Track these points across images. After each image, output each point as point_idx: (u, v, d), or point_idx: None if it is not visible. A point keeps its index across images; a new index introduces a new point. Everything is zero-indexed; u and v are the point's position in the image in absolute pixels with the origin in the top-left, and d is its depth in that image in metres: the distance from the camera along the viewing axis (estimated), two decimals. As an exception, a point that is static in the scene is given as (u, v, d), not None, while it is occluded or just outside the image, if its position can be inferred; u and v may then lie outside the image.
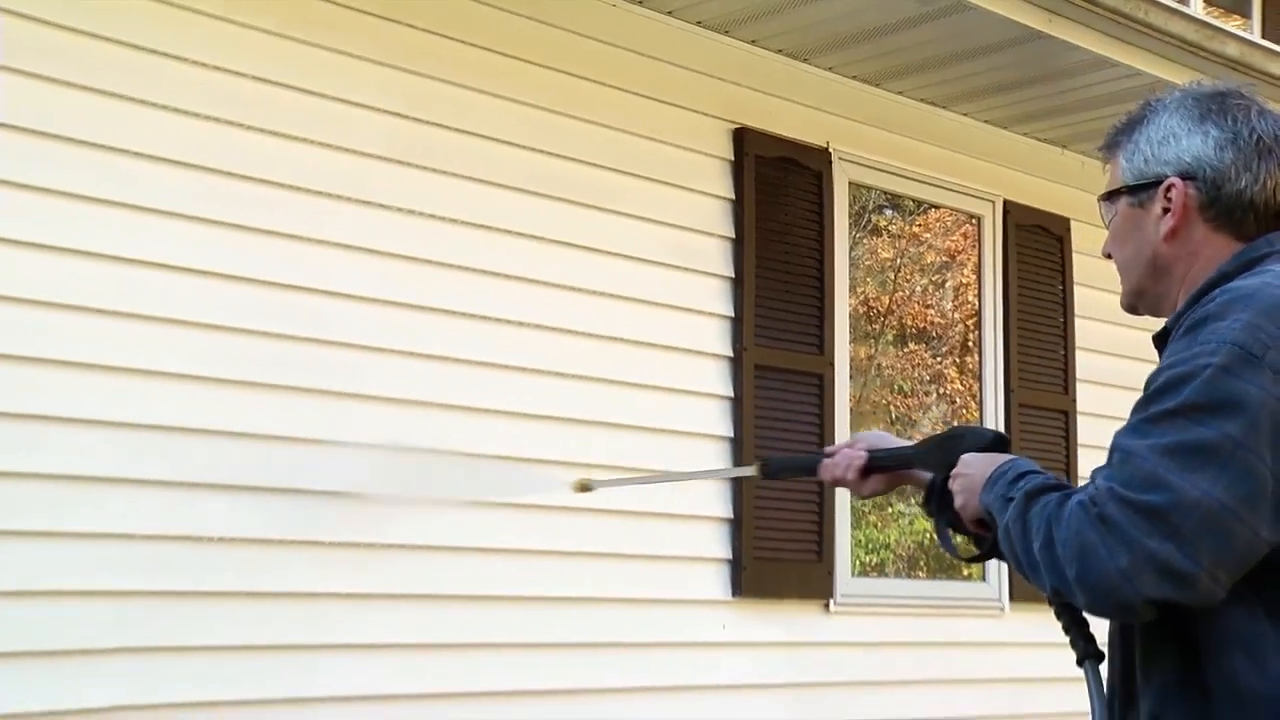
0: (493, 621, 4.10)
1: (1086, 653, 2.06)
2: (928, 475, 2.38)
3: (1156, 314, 2.17)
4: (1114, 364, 5.85)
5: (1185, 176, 2.08)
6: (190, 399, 3.59)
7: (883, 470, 2.40)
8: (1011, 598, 5.46)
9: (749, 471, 3.02)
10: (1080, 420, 5.78)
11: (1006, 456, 2.14)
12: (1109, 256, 2.21)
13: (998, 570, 5.45)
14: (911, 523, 5.55)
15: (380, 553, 3.91)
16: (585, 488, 3.17)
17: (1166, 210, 2.10)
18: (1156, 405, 1.91)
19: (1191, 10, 5.23)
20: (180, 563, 3.56)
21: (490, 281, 4.17)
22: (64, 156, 3.43)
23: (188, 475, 3.58)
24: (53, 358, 3.39)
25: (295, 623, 3.75)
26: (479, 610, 4.09)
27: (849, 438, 2.52)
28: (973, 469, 2.14)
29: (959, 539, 2.31)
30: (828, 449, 2.49)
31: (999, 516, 2.03)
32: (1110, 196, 2.18)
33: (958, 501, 2.18)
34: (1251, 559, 1.86)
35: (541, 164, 4.31)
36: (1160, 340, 2.11)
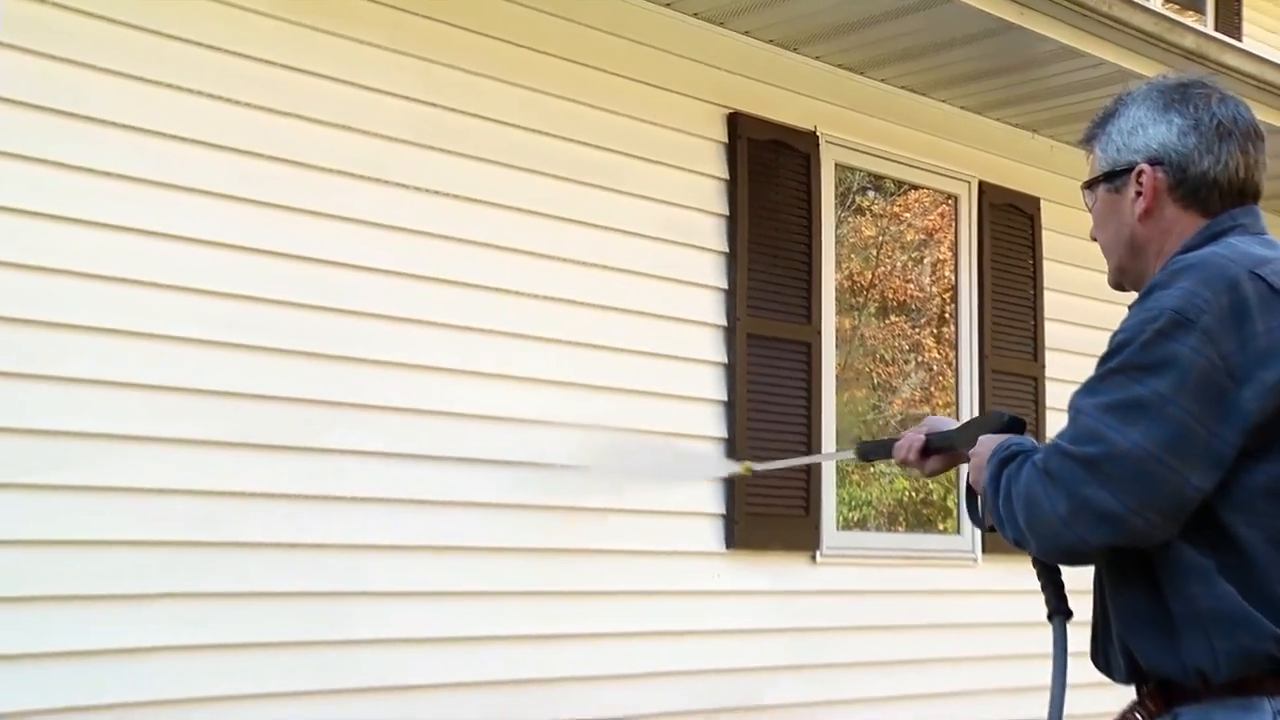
0: (511, 572, 4.12)
1: (1056, 609, 2.11)
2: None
3: (1138, 288, 2.18)
4: (1080, 333, 5.83)
5: (1154, 162, 2.12)
6: (220, 363, 3.59)
7: (938, 452, 2.44)
8: (983, 549, 5.48)
9: (849, 455, 3.09)
10: (1049, 385, 5.78)
11: (1012, 436, 2.19)
12: (1095, 239, 2.26)
13: (972, 526, 5.45)
14: (892, 481, 5.57)
15: (407, 507, 3.92)
16: (749, 470, 3.21)
17: (1139, 193, 2.14)
18: (1104, 366, 1.98)
19: (1152, 5, 5.22)
20: (218, 515, 3.57)
21: (501, 255, 4.16)
22: (107, 139, 3.43)
23: (219, 434, 3.57)
24: (94, 325, 3.39)
25: (329, 571, 3.76)
26: (498, 561, 4.10)
27: (921, 421, 2.55)
28: (982, 449, 2.20)
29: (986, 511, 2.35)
30: (904, 433, 2.55)
31: (986, 487, 2.11)
32: (1090, 185, 2.23)
33: (970, 478, 2.23)
34: (1186, 502, 1.92)
35: (549, 146, 4.30)
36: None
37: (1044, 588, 2.14)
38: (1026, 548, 2.03)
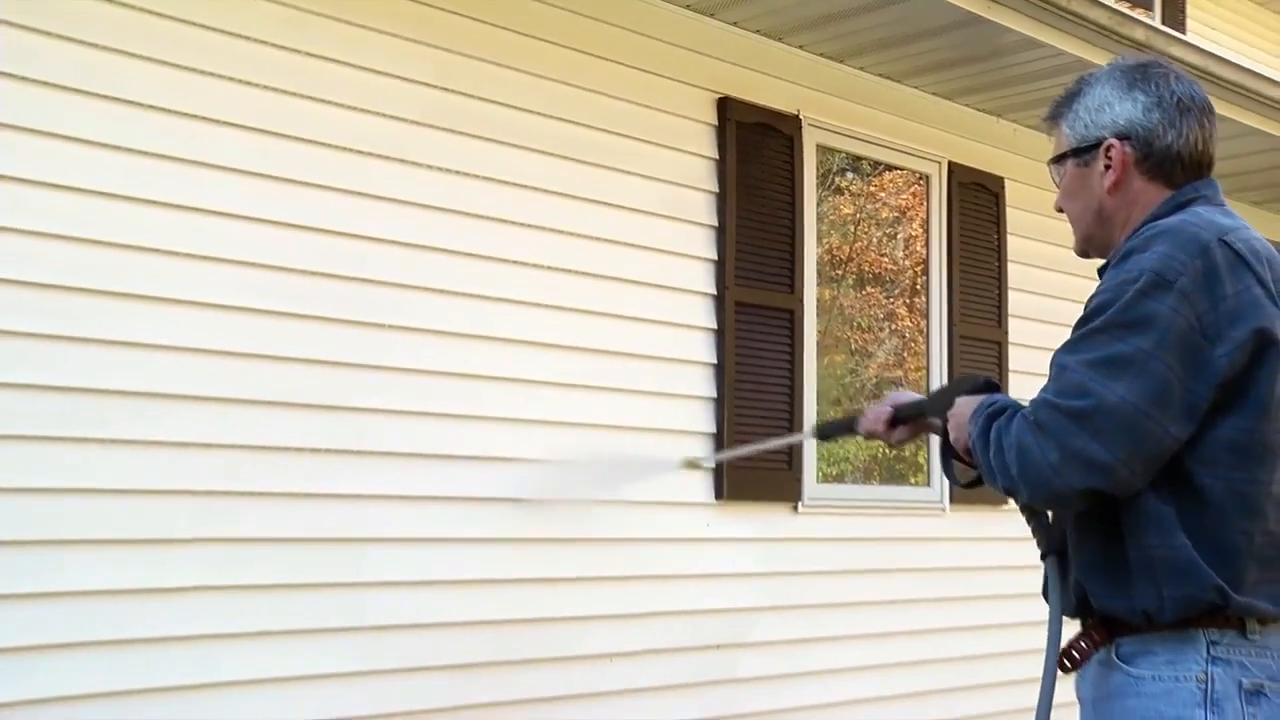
0: (515, 521, 4.10)
1: (1048, 549, 2.09)
2: (939, 423, 2.38)
3: (1104, 255, 2.19)
4: (1040, 302, 5.90)
5: (1121, 137, 2.11)
6: (250, 328, 3.58)
7: (905, 421, 2.42)
8: (951, 501, 5.48)
9: (805, 437, 3.05)
10: (1011, 350, 5.78)
11: (992, 395, 2.17)
12: (1060, 210, 2.24)
13: (940, 477, 5.42)
14: (867, 440, 5.56)
15: (418, 461, 3.92)
16: (694, 465, 3.17)
17: (1108, 167, 2.13)
18: (1086, 325, 1.97)
19: (1106, 0, 5.22)
20: (245, 467, 3.57)
21: (507, 229, 4.15)
22: (145, 121, 3.42)
23: (248, 394, 3.58)
24: (136, 293, 3.39)
25: (347, 519, 3.76)
26: (504, 511, 4.08)
27: (885, 396, 2.53)
28: (963, 409, 2.18)
29: (960, 469, 2.32)
30: (866, 408, 2.53)
31: (971, 442, 2.09)
32: (1059, 160, 2.20)
33: (952, 437, 2.21)
34: (1164, 452, 1.92)
35: (552, 128, 4.29)
36: (1102, 273, 2.13)
37: (1034, 531, 2.13)
38: (1017, 495, 2.01)
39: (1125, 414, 1.88)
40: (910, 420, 2.42)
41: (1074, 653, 2.06)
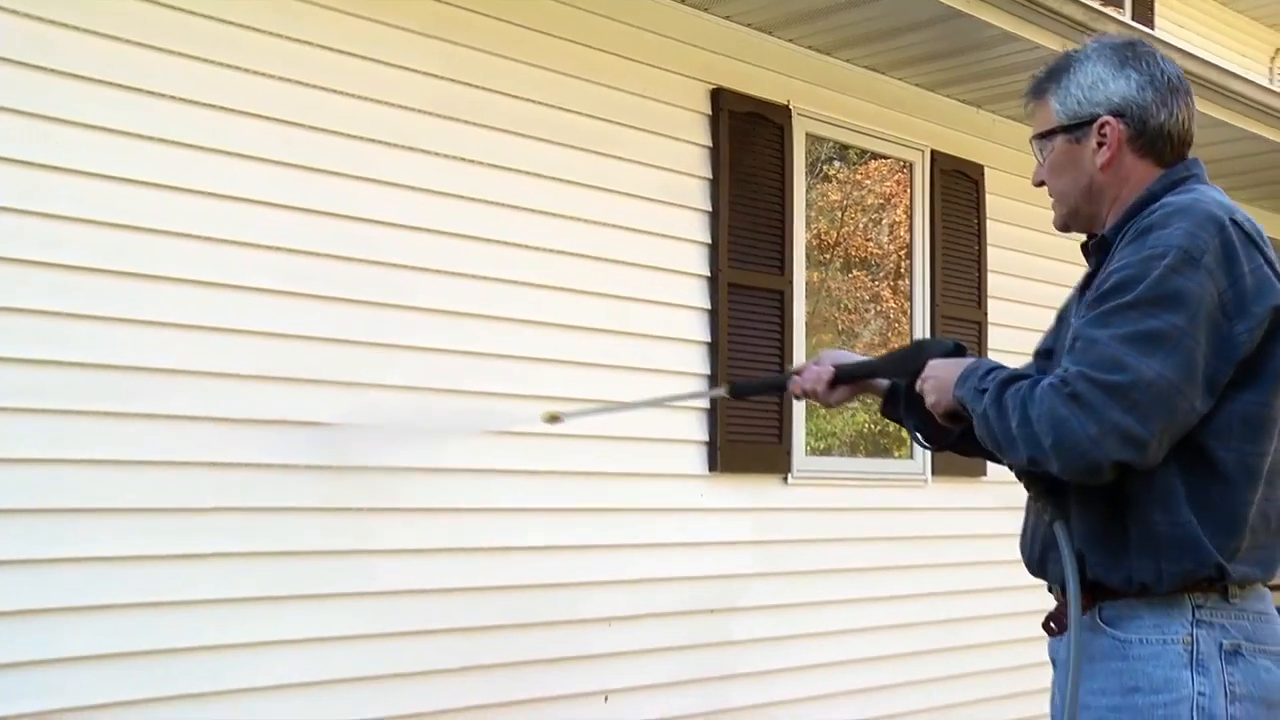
0: (524, 491, 4.14)
1: (1055, 516, 2.00)
2: (884, 384, 2.31)
3: (1086, 231, 2.12)
4: (1017, 284, 5.93)
5: (1116, 114, 2.04)
6: (268, 307, 3.59)
7: (848, 381, 2.33)
8: (933, 472, 5.50)
9: (720, 392, 2.89)
10: (991, 329, 5.80)
11: (970, 359, 2.09)
12: (1040, 184, 2.15)
13: (923, 451, 5.41)
14: (853, 415, 5.59)
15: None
16: (554, 418, 2.99)
17: (1101, 144, 2.05)
18: (1114, 300, 1.87)
19: (1082, -2, 5.27)
20: (266, 440, 3.58)
21: (512, 213, 4.16)
22: (172, 113, 3.44)
23: (267, 370, 3.58)
24: (160, 274, 3.40)
25: (358, 489, 3.77)
26: (514, 481, 4.12)
27: (814, 357, 2.40)
28: (942, 371, 2.08)
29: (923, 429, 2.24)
30: (796, 367, 2.41)
31: (974, 406, 1.98)
32: (1048, 135, 2.10)
33: (929, 400, 2.10)
34: (1187, 427, 1.88)
35: (555, 117, 4.30)
36: (1098, 248, 2.06)
37: (1039, 497, 2.03)
38: (1044, 465, 1.89)
39: (1161, 389, 1.81)
40: (853, 381, 2.32)
41: (1060, 616, 2.02)
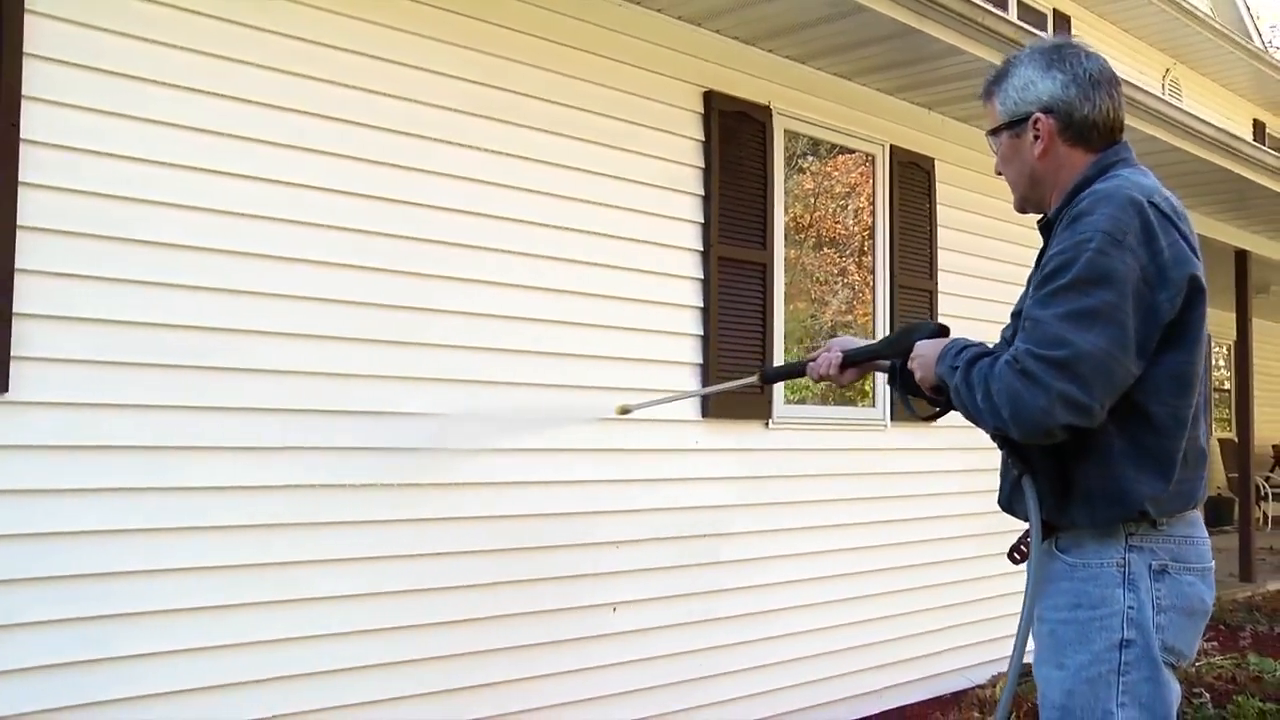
0: (541, 435, 4.10)
1: (1024, 470, 2.00)
2: (886, 364, 2.34)
3: (1039, 212, 2.13)
4: (964, 259, 5.96)
5: (1045, 111, 2.04)
6: (325, 279, 3.59)
7: (855, 364, 2.34)
8: (891, 418, 5.49)
9: (753, 380, 2.92)
10: (941, 298, 5.83)
11: (949, 339, 2.10)
12: (999, 174, 2.17)
13: (884, 399, 5.52)
14: (816, 383, 5.55)
15: (470, 386, 3.95)
16: (625, 410, 2.93)
17: (1036, 137, 2.05)
18: (1053, 283, 1.87)
19: (1011, 18, 5.29)
20: (322, 393, 3.58)
21: (535, 197, 4.16)
22: (249, 115, 3.46)
23: (332, 331, 3.57)
24: (226, 249, 3.39)
25: (417, 433, 3.76)
26: (531, 425, 4.09)
27: (824, 345, 2.41)
28: (926, 351, 2.10)
29: (917, 403, 2.28)
30: (811, 355, 2.42)
31: (950, 381, 1.99)
32: (995, 132, 2.13)
33: (917, 376, 2.11)
34: (1125, 388, 1.86)
35: (572, 116, 4.32)
36: (1046, 229, 2.06)
37: (1010, 453, 2.02)
38: (1006, 432, 1.90)
39: (1100, 359, 1.80)
40: (861, 362, 2.34)
41: (1022, 547, 2.05)
